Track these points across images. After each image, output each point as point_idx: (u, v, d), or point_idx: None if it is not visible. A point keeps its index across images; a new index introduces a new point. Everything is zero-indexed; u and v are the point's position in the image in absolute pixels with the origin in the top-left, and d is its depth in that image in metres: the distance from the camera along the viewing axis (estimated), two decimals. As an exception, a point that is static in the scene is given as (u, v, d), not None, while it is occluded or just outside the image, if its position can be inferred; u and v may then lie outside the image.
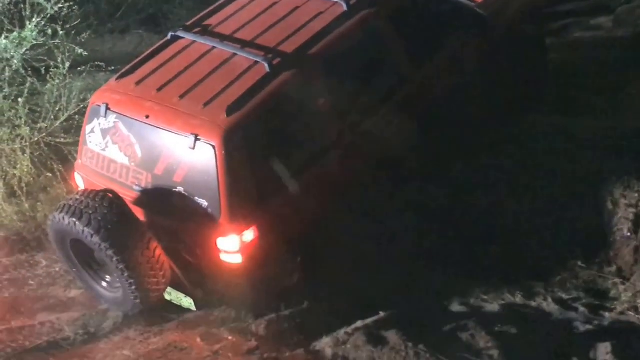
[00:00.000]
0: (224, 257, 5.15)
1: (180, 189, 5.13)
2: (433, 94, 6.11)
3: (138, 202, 5.31)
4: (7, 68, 7.11)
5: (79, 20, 7.54)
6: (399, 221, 5.76)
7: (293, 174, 5.26)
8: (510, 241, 5.73)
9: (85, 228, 4.96)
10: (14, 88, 7.09)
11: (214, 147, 4.97)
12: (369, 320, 5.09)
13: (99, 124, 5.45)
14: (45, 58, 7.22)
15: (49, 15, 7.35)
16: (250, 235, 5.10)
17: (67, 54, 7.08)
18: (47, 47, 7.20)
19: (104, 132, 5.44)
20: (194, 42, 5.66)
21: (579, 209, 5.86)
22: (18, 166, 6.84)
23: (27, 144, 6.90)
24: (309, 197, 5.34)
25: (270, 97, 5.20)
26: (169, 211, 5.24)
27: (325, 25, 5.62)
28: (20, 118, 6.92)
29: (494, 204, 5.94)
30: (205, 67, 5.42)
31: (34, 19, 7.22)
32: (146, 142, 5.26)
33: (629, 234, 5.68)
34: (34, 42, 7.20)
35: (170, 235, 5.29)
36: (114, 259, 4.97)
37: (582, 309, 5.29)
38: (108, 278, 5.46)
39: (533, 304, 5.36)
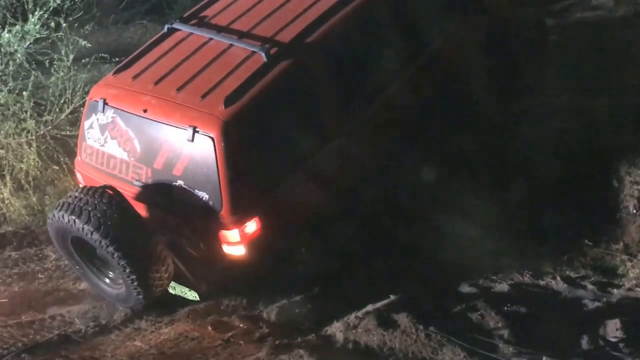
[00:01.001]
0: (226, 249, 5.06)
1: (180, 182, 5.03)
2: (434, 79, 5.98)
3: (138, 197, 5.21)
4: (10, 62, 7.05)
5: (82, 12, 7.49)
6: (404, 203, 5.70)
7: (293, 163, 5.18)
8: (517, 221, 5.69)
9: (85, 225, 4.85)
10: (19, 82, 7.05)
11: (212, 139, 4.86)
12: (379, 304, 5.05)
13: (97, 119, 5.34)
14: (49, 51, 7.18)
15: (51, 8, 7.31)
16: (252, 226, 5.01)
17: (70, 47, 7.05)
18: (50, 40, 7.16)
19: (103, 128, 5.33)
20: (190, 34, 5.56)
21: (584, 187, 5.82)
22: (24, 160, 6.82)
23: (33, 137, 6.87)
24: (311, 187, 5.24)
25: (268, 87, 5.07)
26: (170, 205, 5.14)
27: (321, 13, 5.49)
28: (26, 112, 6.89)
29: (499, 182, 5.91)
30: (202, 59, 5.32)
31: (36, 12, 7.17)
32: (145, 136, 5.15)
33: (634, 211, 5.68)
34: (37, 36, 7.15)
35: (172, 229, 5.20)
36: (116, 255, 4.87)
37: (590, 286, 5.28)
38: (111, 274, 5.36)
39: (541, 282, 5.34)
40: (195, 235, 5.17)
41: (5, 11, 7.59)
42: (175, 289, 5.40)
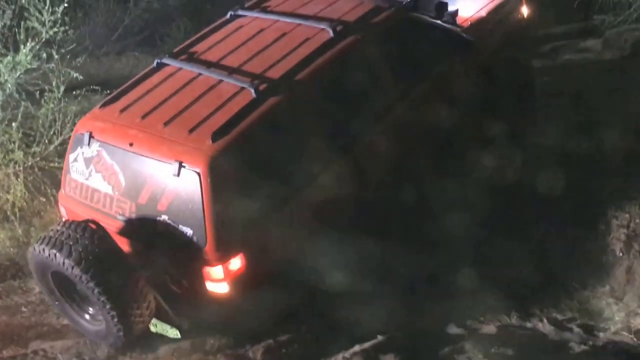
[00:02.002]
0: (210, 286, 4.96)
1: (164, 217, 4.94)
2: (421, 119, 5.94)
3: (122, 232, 5.11)
4: (0, 92, 7.00)
5: (74, 43, 7.50)
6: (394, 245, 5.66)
7: (280, 200, 5.10)
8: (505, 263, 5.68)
9: (66, 260, 4.74)
10: (8, 112, 7.00)
11: (199, 174, 4.79)
12: (367, 344, 5.01)
13: (82, 152, 5.29)
14: (40, 82, 7.15)
15: (43, 39, 7.30)
16: (237, 263, 4.91)
17: (62, 78, 7.01)
18: (41, 71, 7.13)
19: (87, 161, 5.26)
20: (179, 69, 5.54)
21: (572, 230, 5.85)
22: (11, 191, 6.73)
23: (21, 168, 6.80)
24: (300, 224, 5.16)
25: (256, 122, 5.04)
26: (153, 241, 5.03)
27: (311, 51, 5.50)
28: (14, 142, 6.81)
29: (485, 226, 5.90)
30: (190, 94, 5.28)
31: (28, 43, 7.13)
32: (130, 170, 5.08)
33: (620, 254, 5.68)
34: (28, 66, 7.09)
35: (155, 265, 5.07)
36: (96, 291, 4.75)
37: (576, 329, 5.27)
38: (91, 311, 5.21)
39: (529, 325, 5.33)
40: (178, 272, 5.07)
41: (-3, 41, 7.63)
42: (157, 326, 5.25)
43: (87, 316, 5.26)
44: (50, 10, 7.40)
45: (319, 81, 5.43)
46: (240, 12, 6.10)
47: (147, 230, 5.03)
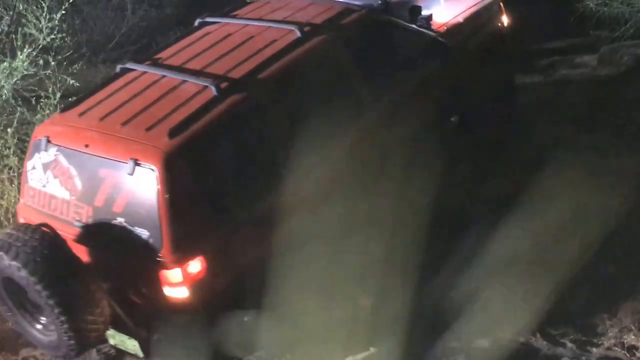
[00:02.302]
0: (168, 292, 4.67)
1: (120, 220, 4.70)
2: (394, 124, 5.78)
3: (80, 238, 4.87)
4: (-4, 97, 7.05)
5: (72, 51, 7.53)
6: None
7: (243, 201, 4.87)
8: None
9: (13, 262, 4.47)
10: (3, 117, 7.02)
11: (153, 171, 4.56)
12: (359, 356, 4.99)
13: (40, 158, 5.09)
14: (36, 88, 7.17)
15: (40, 46, 7.34)
16: (196, 266, 4.63)
17: (58, 85, 7.04)
18: (38, 78, 7.15)
19: (45, 167, 5.07)
20: (143, 73, 5.39)
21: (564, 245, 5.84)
22: (5, 196, 6.71)
23: (15, 174, 6.79)
24: (266, 226, 4.88)
25: (216, 119, 4.84)
26: (110, 245, 4.80)
27: (276, 51, 5.35)
28: (9, 148, 6.79)
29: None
30: (152, 95, 5.11)
31: (25, 49, 7.18)
32: (86, 172, 4.86)
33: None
34: (25, 72, 7.16)
35: (111, 270, 4.83)
36: (43, 294, 4.45)
37: (569, 344, 5.24)
38: (42, 320, 4.89)
39: (522, 339, 5.30)
40: (136, 277, 4.81)
41: (-6, 47, 7.65)
42: (115, 337, 4.95)
43: (39, 326, 4.95)
44: (48, 17, 7.49)
45: (284, 80, 5.25)
46: (208, 19, 6.00)
47: (104, 234, 4.81)
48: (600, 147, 6.68)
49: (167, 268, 4.59)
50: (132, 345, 4.89)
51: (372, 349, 5.02)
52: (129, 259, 4.76)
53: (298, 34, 5.46)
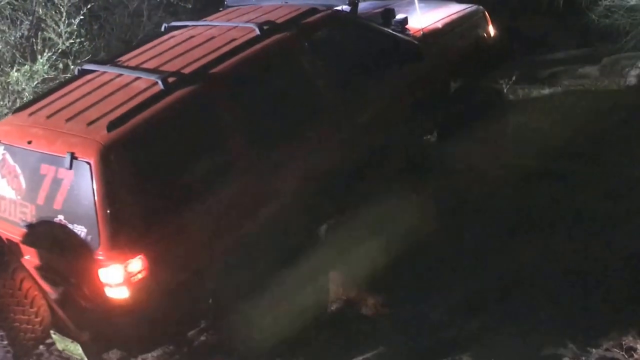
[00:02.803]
0: (108, 292, 4.37)
1: (60, 217, 4.47)
2: (358, 125, 5.55)
3: (25, 239, 4.63)
4: (18, 100, 7.11)
5: (90, 55, 7.60)
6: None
7: (190, 197, 4.61)
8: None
9: None
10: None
11: (90, 164, 4.32)
12: (369, 354, 5.04)
13: None
14: (56, 91, 7.25)
15: (60, 50, 7.41)
16: (136, 265, 4.35)
17: (77, 88, 7.12)
18: (58, 81, 7.18)
19: None
20: (101, 73, 5.22)
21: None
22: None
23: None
24: (213, 224, 4.69)
25: (160, 113, 4.60)
26: (51, 244, 4.55)
27: (232, 48, 5.11)
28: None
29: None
30: (103, 93, 4.91)
31: (45, 53, 7.26)
32: (29, 170, 4.68)
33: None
34: (45, 76, 7.23)
35: (51, 270, 4.60)
36: None
37: (570, 344, 5.28)
38: None
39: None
40: (74, 276, 4.52)
41: (14, 50, 7.73)
42: (60, 342, 4.67)
43: None
44: (67, 22, 7.53)
45: (238, 75, 5.01)
46: (174, 24, 5.92)
47: (45, 233, 4.58)
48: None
49: (105, 267, 4.34)
50: (75, 349, 4.62)
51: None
52: (70, 258, 4.51)
53: (257, 32, 5.27)
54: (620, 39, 8.44)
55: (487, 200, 6.19)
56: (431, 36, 6.08)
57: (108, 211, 4.32)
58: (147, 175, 4.54)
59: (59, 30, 7.53)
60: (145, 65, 5.21)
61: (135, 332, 4.57)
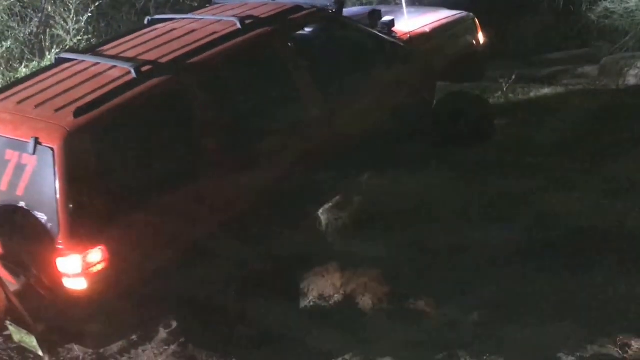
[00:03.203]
0: (66, 282, 4.22)
1: (22, 203, 4.32)
2: (338, 124, 5.45)
3: None
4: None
5: (97, 52, 7.63)
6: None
7: (157, 190, 4.46)
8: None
9: None
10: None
11: (53, 150, 4.18)
12: (366, 349, 4.96)
13: None
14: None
15: (67, 46, 7.46)
16: (96, 256, 4.21)
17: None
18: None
19: None
20: (77, 62, 5.07)
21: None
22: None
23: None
24: (180, 218, 4.56)
25: (130, 101, 4.46)
26: (10, 231, 4.35)
27: (210, 41, 5.00)
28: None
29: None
30: (77, 80, 4.78)
31: (53, 50, 7.35)
32: None
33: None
34: (53, 72, 7.27)
35: (12, 258, 4.36)
36: None
37: (565, 340, 5.28)
38: None
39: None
40: (34, 265, 4.31)
41: (23, 47, 7.77)
42: (16, 334, 4.47)
43: None
44: (75, 19, 7.61)
45: (216, 67, 4.91)
46: (158, 17, 5.84)
47: (6, 220, 4.39)
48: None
49: (63, 256, 4.19)
50: (30, 341, 4.42)
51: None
52: (31, 246, 4.32)
53: (238, 25, 5.17)
54: (619, 39, 8.43)
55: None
56: (418, 40, 6.03)
57: (69, 199, 4.20)
58: (112, 164, 4.41)
59: (67, 27, 7.61)
60: (123, 55, 5.08)
61: (92, 325, 4.42)
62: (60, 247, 4.19)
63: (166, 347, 5.15)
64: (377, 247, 5.67)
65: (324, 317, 5.36)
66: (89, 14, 7.66)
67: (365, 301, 5.47)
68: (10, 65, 7.50)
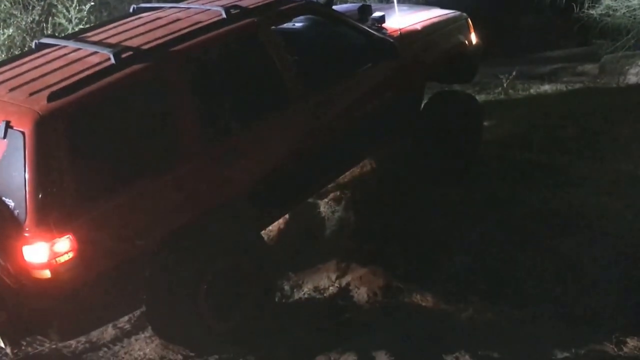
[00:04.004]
0: (31, 271, 4.05)
1: None
2: (324, 120, 5.26)
3: None
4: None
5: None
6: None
7: (130, 180, 4.30)
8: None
9: None
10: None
11: (24, 134, 4.02)
12: (360, 345, 4.95)
13: None
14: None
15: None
16: (64, 245, 4.03)
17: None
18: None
19: None
20: (58, 47, 4.91)
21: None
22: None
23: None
24: (154, 209, 4.39)
25: (107, 87, 4.28)
26: None
27: (194, 29, 4.84)
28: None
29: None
30: (54, 65, 4.61)
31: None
32: None
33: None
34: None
35: None
36: None
37: (561, 338, 5.22)
38: None
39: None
40: (1, 253, 4.09)
41: (25, 35, 7.72)
42: None
43: None
44: (77, 8, 7.54)
45: (200, 56, 4.75)
46: (143, 5, 5.67)
47: None
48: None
49: (29, 244, 4.03)
50: None
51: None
52: None
53: (223, 15, 5.01)
54: (620, 37, 8.36)
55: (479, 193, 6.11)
56: (408, 37, 5.83)
57: (37, 185, 4.02)
58: (85, 150, 4.22)
59: (69, 15, 7.55)
60: (107, 41, 4.92)
61: (57, 317, 4.25)
62: (26, 234, 4.03)
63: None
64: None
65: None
66: (92, 3, 7.61)
67: (361, 294, 5.41)
68: (12, 52, 7.44)
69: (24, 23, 7.76)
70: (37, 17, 7.80)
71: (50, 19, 7.61)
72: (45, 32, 7.42)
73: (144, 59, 4.53)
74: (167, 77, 4.55)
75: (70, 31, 7.31)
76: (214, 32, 4.86)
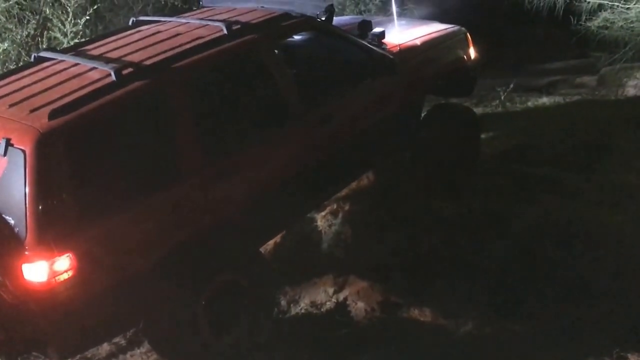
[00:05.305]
0: (31, 290, 4.04)
1: None
2: (323, 136, 5.25)
3: None
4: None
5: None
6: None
7: (131, 198, 4.28)
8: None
9: None
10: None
11: (24, 152, 4.00)
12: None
13: None
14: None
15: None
16: (64, 263, 4.01)
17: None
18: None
19: None
20: (57, 61, 4.87)
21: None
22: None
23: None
24: (153, 226, 4.39)
25: (108, 105, 4.27)
26: None
27: (195, 46, 4.81)
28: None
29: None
30: (54, 81, 4.59)
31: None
32: None
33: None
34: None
35: None
36: None
37: (561, 353, 5.20)
38: None
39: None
40: (1, 271, 4.09)
41: (20, 49, 7.69)
42: None
43: None
44: (73, 22, 7.51)
45: (200, 73, 4.76)
46: (143, 18, 5.65)
47: None
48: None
49: (29, 262, 4.02)
50: None
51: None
52: None
53: (224, 31, 4.97)
54: (618, 49, 8.38)
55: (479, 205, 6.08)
56: (408, 52, 5.85)
57: (38, 203, 4.02)
58: (86, 169, 4.22)
59: (65, 29, 7.51)
60: (104, 56, 4.88)
61: (56, 335, 4.24)
62: (26, 252, 4.01)
63: (154, 352, 5.03)
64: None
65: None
66: (87, 17, 7.56)
67: (359, 309, 5.38)
68: (7, 67, 7.41)
69: (19, 37, 7.72)
70: (32, 31, 7.77)
71: (45, 32, 7.58)
72: (40, 46, 7.39)
73: (145, 75, 4.51)
74: (168, 95, 4.54)
75: (65, 45, 7.31)
76: (215, 48, 4.84)
